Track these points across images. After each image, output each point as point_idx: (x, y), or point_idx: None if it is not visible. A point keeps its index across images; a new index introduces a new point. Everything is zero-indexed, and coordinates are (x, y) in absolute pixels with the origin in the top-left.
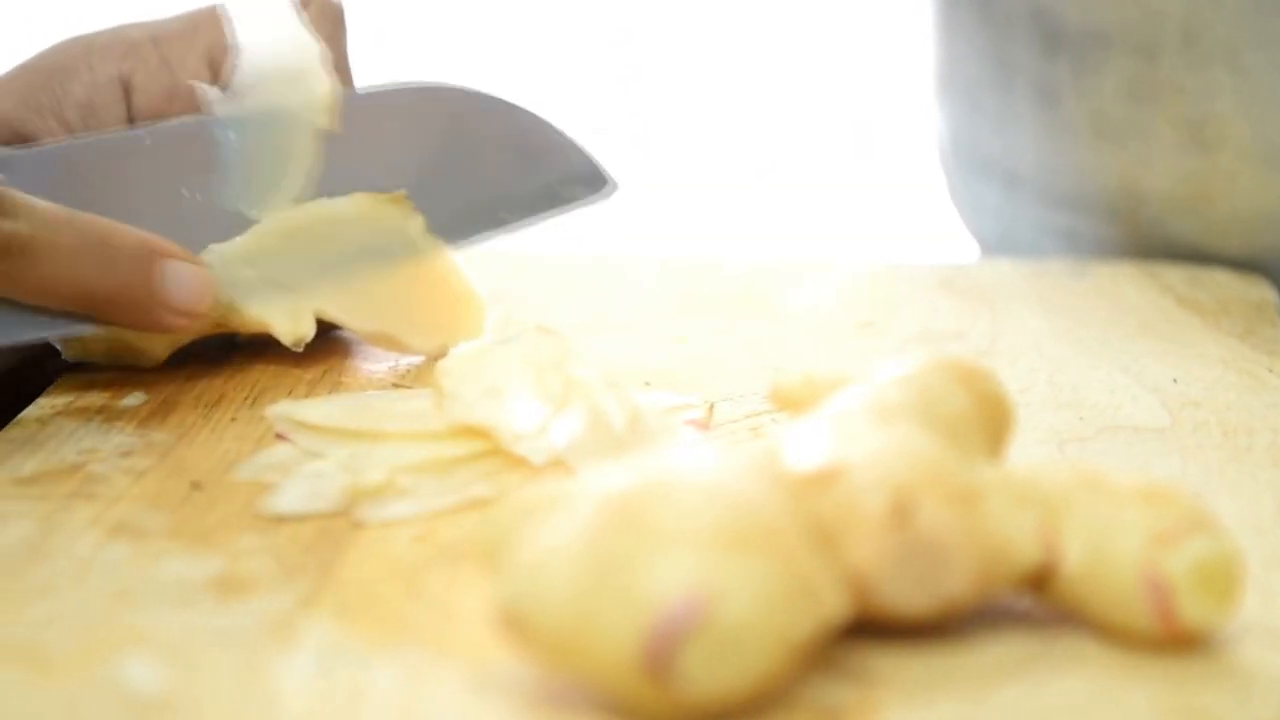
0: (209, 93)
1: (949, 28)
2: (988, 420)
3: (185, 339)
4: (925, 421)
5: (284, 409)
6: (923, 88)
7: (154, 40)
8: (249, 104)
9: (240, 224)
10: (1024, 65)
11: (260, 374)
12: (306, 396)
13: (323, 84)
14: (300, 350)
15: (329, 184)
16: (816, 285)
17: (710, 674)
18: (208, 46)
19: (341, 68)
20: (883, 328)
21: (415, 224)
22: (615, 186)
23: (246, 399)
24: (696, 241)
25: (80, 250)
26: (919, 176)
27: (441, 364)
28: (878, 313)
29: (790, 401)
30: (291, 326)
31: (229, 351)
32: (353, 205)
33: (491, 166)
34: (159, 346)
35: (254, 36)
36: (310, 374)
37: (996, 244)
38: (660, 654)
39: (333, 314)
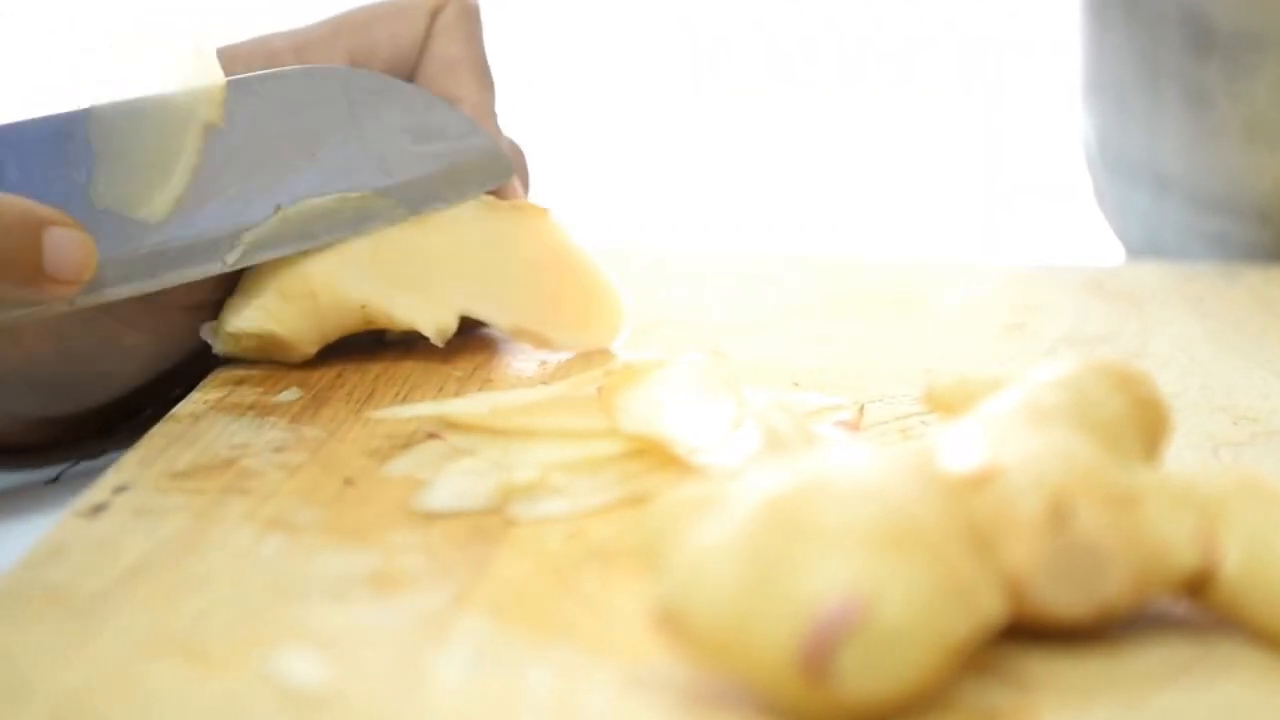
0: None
1: (1097, 29)
2: (1144, 424)
3: (334, 336)
4: (1081, 424)
5: (434, 407)
6: (1069, 89)
7: (296, 49)
8: (134, 99)
9: (123, 226)
10: (1174, 67)
11: (410, 371)
12: (456, 394)
13: (210, 75)
14: (444, 345)
15: (211, 176)
16: (963, 286)
17: (867, 675)
18: (350, 51)
19: (480, 68)
20: (1032, 330)
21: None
22: (510, 170)
23: (397, 395)
24: (842, 241)
25: None
26: (1063, 179)
27: (609, 379)
28: (1026, 314)
29: (944, 403)
30: (435, 321)
31: (379, 348)
32: (470, 210)
33: (388, 149)
34: (307, 343)
35: (139, 28)
36: (460, 371)
37: (1143, 247)
38: (817, 654)
39: (477, 311)
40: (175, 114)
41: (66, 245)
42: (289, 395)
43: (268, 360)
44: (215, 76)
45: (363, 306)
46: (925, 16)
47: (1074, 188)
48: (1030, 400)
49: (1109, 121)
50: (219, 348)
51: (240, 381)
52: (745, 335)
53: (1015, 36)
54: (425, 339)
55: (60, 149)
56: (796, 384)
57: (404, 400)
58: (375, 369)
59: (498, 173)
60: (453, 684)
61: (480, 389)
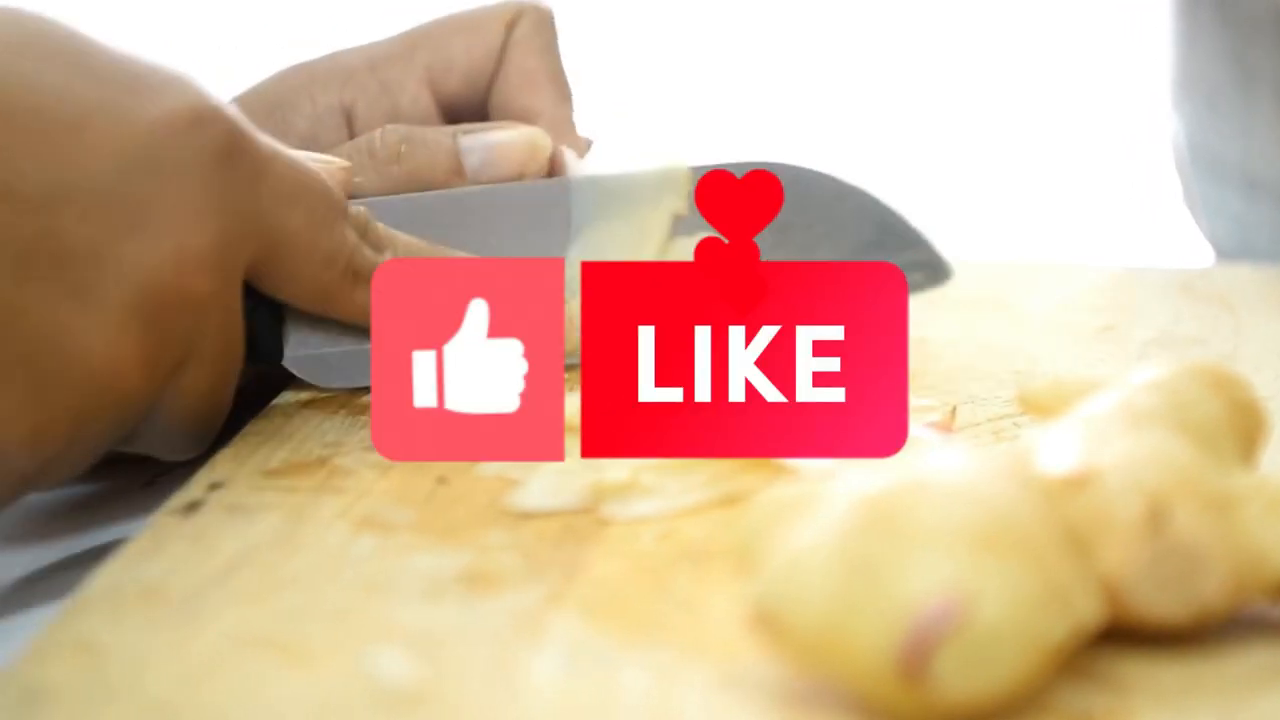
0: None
1: (1188, 30)
2: (1241, 427)
3: None
4: (1177, 427)
5: None
6: (1159, 91)
7: (371, 66)
8: (609, 174)
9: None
10: (1266, 68)
11: None
12: None
13: (681, 163)
14: None
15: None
16: (1054, 288)
17: (964, 677)
18: (426, 68)
19: (558, 79)
20: (1123, 332)
21: None
22: (952, 274)
23: None
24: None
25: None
26: (1152, 180)
27: None
28: (1117, 316)
29: (1038, 405)
30: None
31: None
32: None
33: (827, 249)
34: None
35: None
36: None
37: (1234, 249)
38: (915, 656)
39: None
40: (645, 196)
41: None
42: None
43: None
44: (681, 161)
45: None
46: (1015, 17)
47: (1164, 190)
48: (1126, 403)
49: (1199, 123)
50: None
51: None
52: None
53: (1105, 37)
54: None
55: (539, 215)
56: None
57: None
58: None
59: (938, 275)
60: (547, 684)
61: (570, 389)
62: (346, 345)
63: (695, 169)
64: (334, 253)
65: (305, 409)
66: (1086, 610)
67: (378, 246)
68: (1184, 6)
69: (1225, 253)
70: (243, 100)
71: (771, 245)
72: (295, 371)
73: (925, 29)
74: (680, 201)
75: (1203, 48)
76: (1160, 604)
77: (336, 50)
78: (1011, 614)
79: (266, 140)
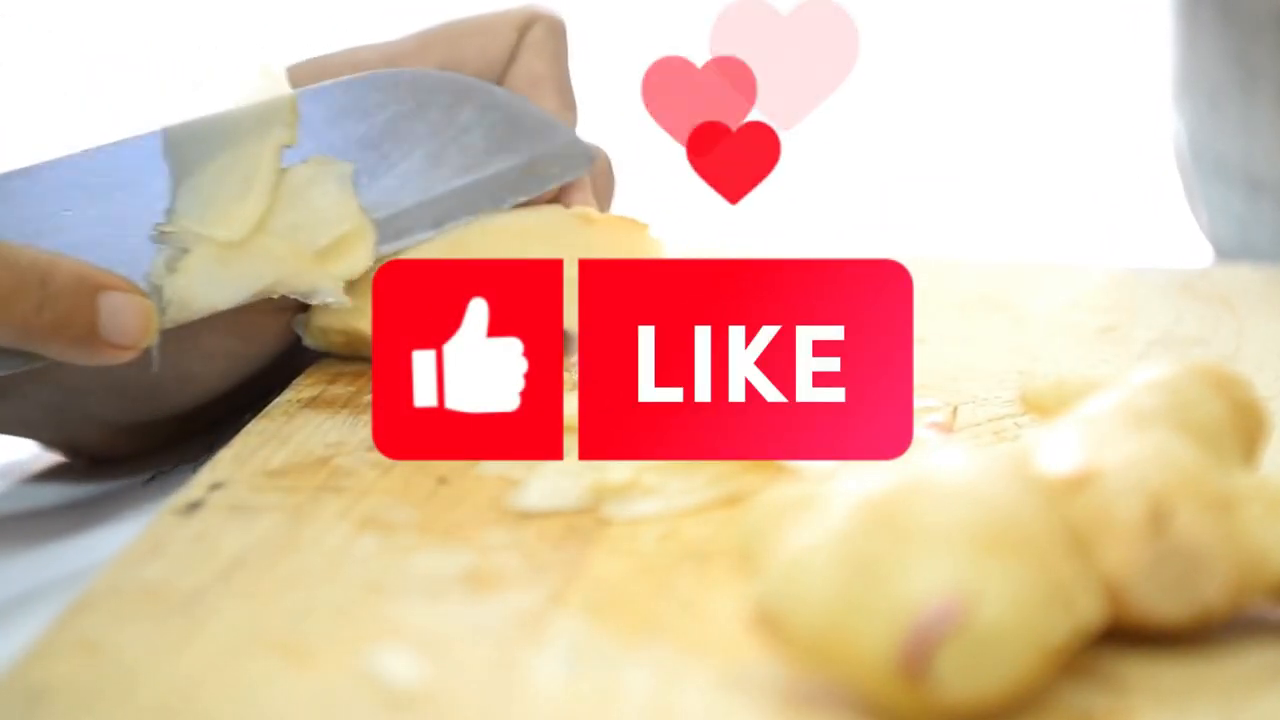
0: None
1: (1189, 29)
2: (1242, 428)
3: None
4: (1179, 427)
5: None
6: (1160, 90)
7: (386, 62)
8: (206, 118)
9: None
10: (1268, 68)
11: None
12: None
13: (285, 92)
14: None
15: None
16: (1055, 288)
17: (966, 677)
18: (439, 65)
19: (563, 86)
20: (1125, 332)
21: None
22: (593, 159)
23: None
24: (935, 242)
25: (15, 289)
26: (1154, 180)
27: None
28: (1119, 316)
29: (1040, 405)
30: None
31: None
32: (565, 222)
33: (455, 155)
34: None
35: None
36: None
37: (1235, 249)
38: (916, 656)
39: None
40: (248, 131)
41: (123, 311)
42: None
43: (358, 357)
44: (284, 92)
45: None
46: (1016, 16)
47: (1165, 189)
48: (1128, 403)
49: (1201, 123)
50: (308, 341)
51: (333, 380)
52: None
53: (1106, 37)
54: None
55: (134, 175)
56: None
57: None
58: None
59: (577, 162)
60: (549, 683)
61: (570, 390)
62: None
63: (301, 92)
64: None
65: (306, 409)
66: (1088, 610)
67: None
68: (1185, 6)
69: (1227, 253)
70: None
71: (409, 147)
72: None
73: (925, 28)
74: (288, 131)
75: (1204, 47)
76: (1161, 604)
77: (351, 46)
78: (1013, 614)
79: None
